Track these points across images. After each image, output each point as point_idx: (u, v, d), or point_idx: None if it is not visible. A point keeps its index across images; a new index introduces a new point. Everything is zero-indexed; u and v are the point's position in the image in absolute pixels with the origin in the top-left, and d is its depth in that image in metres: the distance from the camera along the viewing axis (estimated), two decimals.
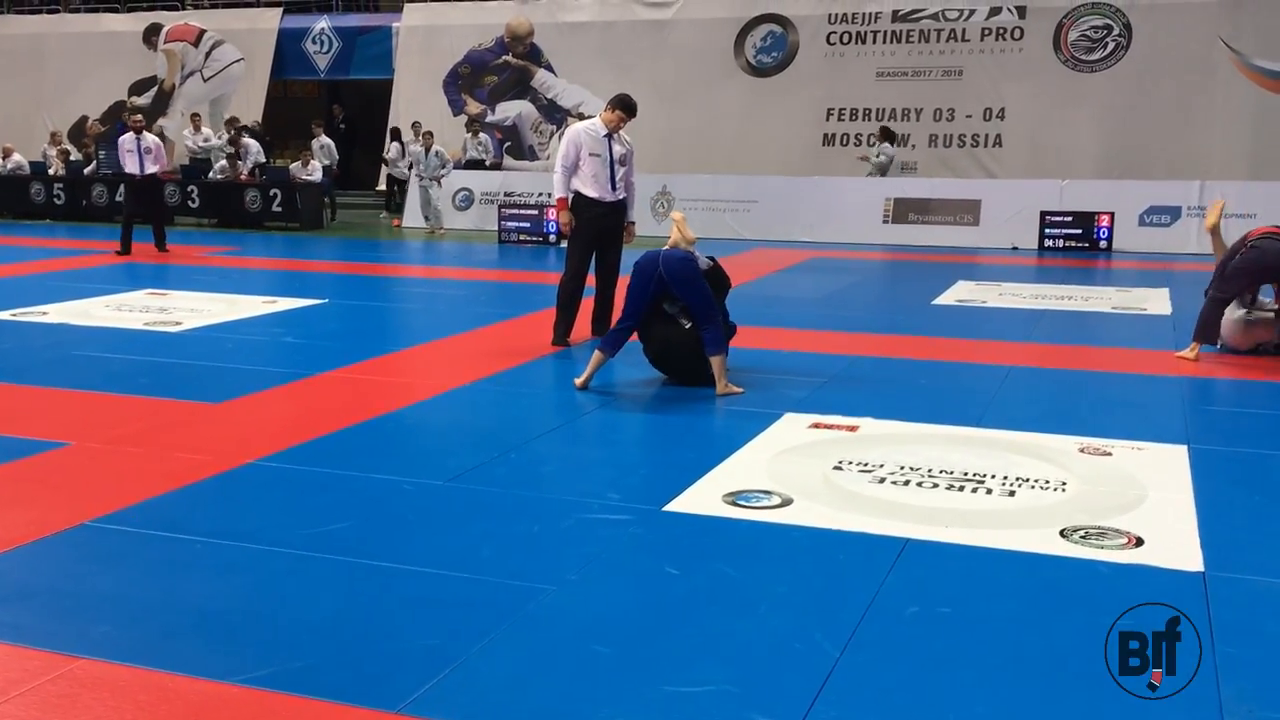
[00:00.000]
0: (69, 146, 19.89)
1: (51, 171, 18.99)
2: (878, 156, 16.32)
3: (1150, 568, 3.81)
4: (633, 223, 8.07)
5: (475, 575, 3.76)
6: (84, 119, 21.53)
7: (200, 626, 3.39)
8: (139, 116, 14.17)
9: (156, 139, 14.10)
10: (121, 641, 3.26)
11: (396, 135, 19.01)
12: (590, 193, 7.74)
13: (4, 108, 22.41)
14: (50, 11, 23.44)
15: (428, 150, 16.65)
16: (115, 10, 22.88)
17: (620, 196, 7.85)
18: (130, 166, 13.72)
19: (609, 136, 7.74)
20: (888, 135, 16.54)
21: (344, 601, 3.58)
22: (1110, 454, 5.16)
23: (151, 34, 21.90)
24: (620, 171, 7.79)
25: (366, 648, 3.25)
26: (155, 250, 13.61)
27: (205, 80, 21.57)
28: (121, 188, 18.09)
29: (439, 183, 16.80)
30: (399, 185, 18.79)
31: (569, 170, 7.76)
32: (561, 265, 8.02)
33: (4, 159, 19.30)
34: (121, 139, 13.96)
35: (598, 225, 7.80)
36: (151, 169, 13.73)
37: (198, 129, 19.34)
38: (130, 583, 3.73)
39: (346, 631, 3.36)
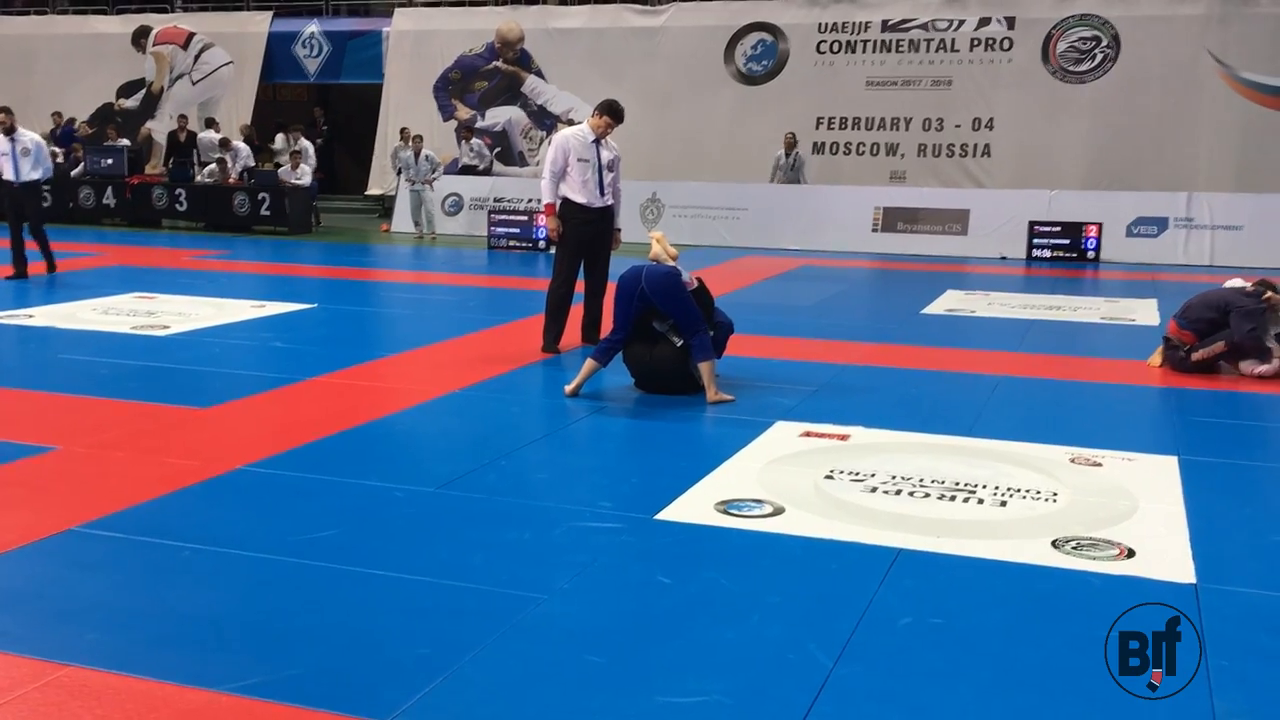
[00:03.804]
0: (56, 149, 19.77)
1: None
2: (793, 168, 16.48)
3: (1142, 579, 3.81)
4: (619, 229, 8.06)
5: (466, 584, 3.74)
6: (71, 121, 21.43)
7: (188, 634, 3.36)
8: (1, 115, 11.26)
9: (37, 139, 11.72)
10: (109, 649, 3.23)
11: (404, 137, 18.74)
12: (578, 199, 7.72)
13: None
14: (38, 13, 23.33)
15: (418, 155, 16.61)
16: (104, 12, 22.77)
17: (608, 202, 7.84)
18: (7, 173, 11.24)
19: (596, 142, 7.74)
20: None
21: (333, 609, 3.55)
22: (1101, 464, 5.17)
23: (140, 36, 21.79)
24: (608, 177, 7.78)
25: (356, 656, 3.22)
26: (46, 269, 11.38)
27: (194, 83, 21.46)
28: (109, 190, 18.12)
29: (431, 186, 16.76)
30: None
31: (557, 176, 7.75)
32: (550, 271, 8.00)
33: None
34: None
35: (586, 231, 7.79)
36: (31, 175, 11.29)
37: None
38: (117, 589, 3.70)
39: (336, 640, 3.33)
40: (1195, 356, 7.21)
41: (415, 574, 3.82)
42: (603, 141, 7.76)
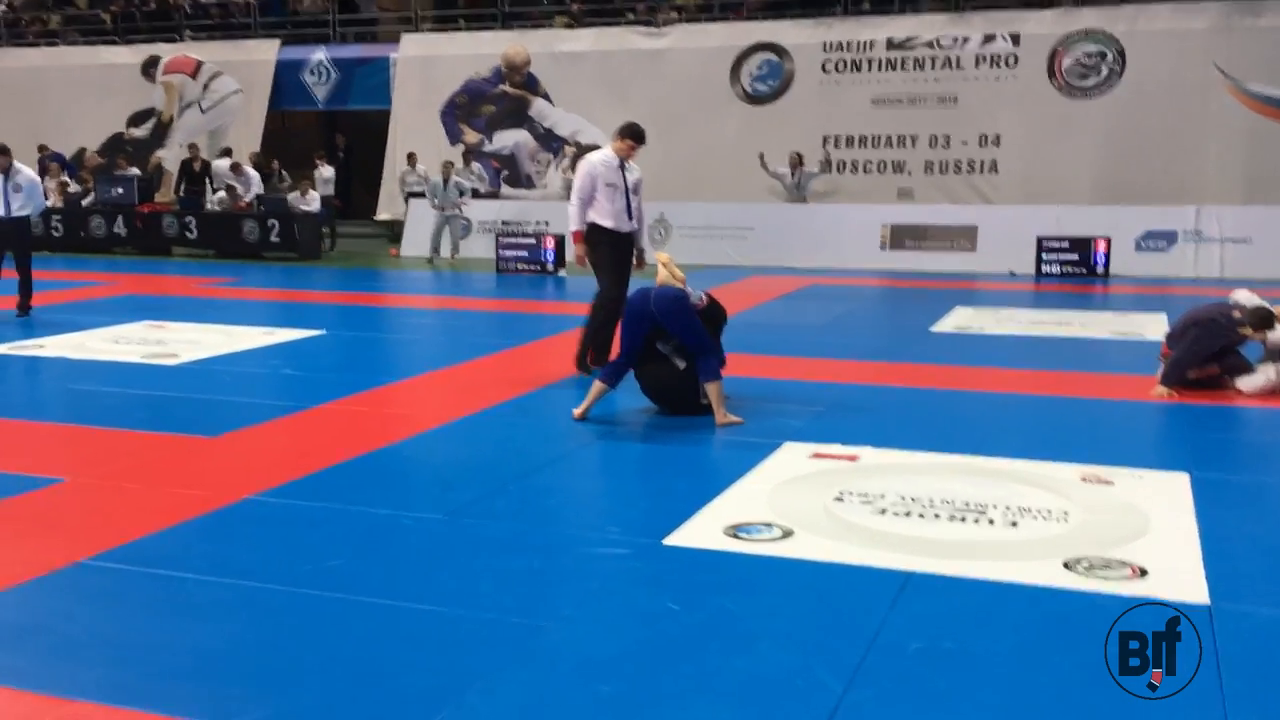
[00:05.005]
0: (67, 179, 19.92)
1: (50, 203, 19.01)
2: (799, 187, 16.52)
3: (1155, 600, 3.77)
4: (643, 250, 8.03)
5: (474, 612, 3.72)
6: (82, 151, 21.59)
7: (196, 667, 3.35)
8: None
9: (32, 176, 11.37)
10: (115, 683, 3.22)
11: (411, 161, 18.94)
12: (607, 223, 7.65)
13: (3, 140, 22.42)
14: (49, 44, 23.53)
15: (446, 181, 16.59)
16: (113, 43, 22.97)
17: (634, 226, 7.82)
18: None
19: (622, 165, 7.72)
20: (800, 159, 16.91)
21: (340, 640, 3.54)
22: (1112, 483, 5.13)
23: (150, 66, 21.98)
24: (635, 201, 7.76)
25: (362, 688, 3.20)
26: (17, 312, 10.83)
27: (203, 112, 21.63)
28: (120, 219, 18.22)
29: (461, 211, 16.77)
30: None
31: (585, 202, 7.68)
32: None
33: None
34: None
35: (616, 253, 7.74)
36: (22, 211, 10.96)
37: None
38: (125, 623, 3.69)
39: (342, 671, 3.31)
40: (1191, 375, 7.11)
41: (423, 603, 3.80)
42: (627, 164, 7.74)
